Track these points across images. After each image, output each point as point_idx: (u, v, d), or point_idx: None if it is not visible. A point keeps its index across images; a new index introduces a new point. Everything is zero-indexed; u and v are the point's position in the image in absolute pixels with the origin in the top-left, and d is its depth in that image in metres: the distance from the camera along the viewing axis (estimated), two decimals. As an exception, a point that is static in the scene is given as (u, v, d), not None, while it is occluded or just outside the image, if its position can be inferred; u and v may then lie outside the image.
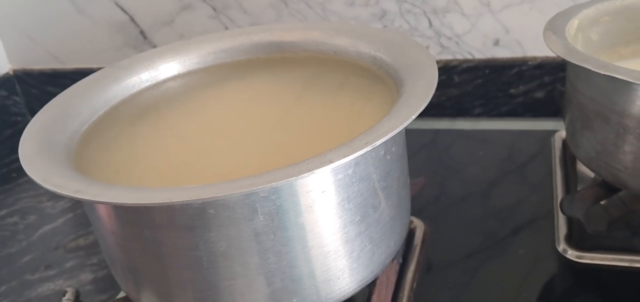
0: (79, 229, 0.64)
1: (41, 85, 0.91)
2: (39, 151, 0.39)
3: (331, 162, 0.32)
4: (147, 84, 0.51)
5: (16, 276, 0.58)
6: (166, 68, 0.52)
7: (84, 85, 0.48)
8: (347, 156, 0.33)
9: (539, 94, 0.72)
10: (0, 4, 0.87)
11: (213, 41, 0.53)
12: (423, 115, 0.82)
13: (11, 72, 0.92)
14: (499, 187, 0.59)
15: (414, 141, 0.71)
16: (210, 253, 0.36)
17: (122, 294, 0.49)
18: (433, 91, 0.38)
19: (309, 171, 0.32)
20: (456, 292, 0.48)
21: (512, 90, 0.73)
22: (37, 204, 0.70)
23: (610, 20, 0.53)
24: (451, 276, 0.49)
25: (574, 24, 0.50)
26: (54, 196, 0.70)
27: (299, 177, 0.32)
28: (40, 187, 0.34)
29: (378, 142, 0.34)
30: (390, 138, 0.38)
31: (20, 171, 0.38)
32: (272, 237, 0.36)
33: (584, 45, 0.51)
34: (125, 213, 0.37)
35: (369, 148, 0.33)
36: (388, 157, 0.40)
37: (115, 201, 0.32)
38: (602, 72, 0.41)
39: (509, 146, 0.67)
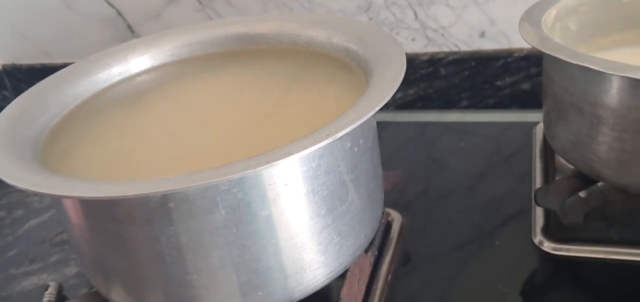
0: (65, 224, 0.64)
1: (31, 80, 0.90)
2: (4, 144, 0.38)
3: (290, 154, 0.32)
4: (119, 78, 0.51)
5: (0, 271, 0.58)
6: (139, 61, 0.52)
7: (54, 80, 0.48)
8: (307, 147, 0.32)
9: (526, 86, 0.71)
10: (-11, 0, 0.88)
11: (187, 33, 0.53)
12: (410, 108, 0.82)
13: (0, 67, 0.92)
14: (484, 180, 0.59)
15: (401, 134, 0.71)
16: (172, 247, 0.36)
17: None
18: (398, 83, 0.37)
19: (268, 163, 0.32)
20: (431, 284, 0.47)
21: (498, 82, 0.72)
22: (24, 199, 0.70)
23: (588, 10, 0.52)
24: (428, 268, 0.49)
25: (551, 13, 0.50)
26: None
27: (257, 169, 0.32)
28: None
29: (339, 135, 0.33)
30: (358, 130, 0.38)
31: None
32: (235, 230, 0.35)
33: (562, 35, 0.50)
34: (89, 207, 0.37)
35: (329, 140, 0.33)
36: (355, 149, 0.39)
37: (70, 194, 0.32)
38: (574, 62, 0.40)
39: (496, 138, 0.66)
